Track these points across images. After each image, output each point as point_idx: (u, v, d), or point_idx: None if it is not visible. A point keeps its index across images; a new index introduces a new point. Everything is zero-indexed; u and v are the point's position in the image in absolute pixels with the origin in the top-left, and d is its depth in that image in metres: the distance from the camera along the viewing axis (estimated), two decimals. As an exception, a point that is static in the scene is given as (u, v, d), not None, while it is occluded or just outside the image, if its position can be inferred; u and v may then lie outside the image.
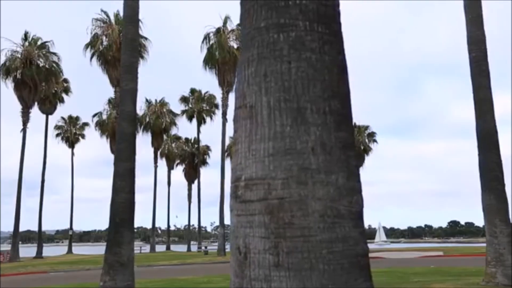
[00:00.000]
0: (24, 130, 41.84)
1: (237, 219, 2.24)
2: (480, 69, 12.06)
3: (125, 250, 11.08)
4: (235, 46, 38.40)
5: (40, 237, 48.09)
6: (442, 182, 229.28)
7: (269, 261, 2.08)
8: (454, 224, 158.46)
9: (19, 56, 41.66)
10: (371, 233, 76.99)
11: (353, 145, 2.32)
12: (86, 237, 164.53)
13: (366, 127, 57.61)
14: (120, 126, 12.25)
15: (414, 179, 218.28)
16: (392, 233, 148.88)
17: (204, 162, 63.41)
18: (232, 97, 34.92)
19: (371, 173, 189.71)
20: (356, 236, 2.17)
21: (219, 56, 38.82)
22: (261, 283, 2.09)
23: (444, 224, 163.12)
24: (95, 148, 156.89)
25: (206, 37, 40.33)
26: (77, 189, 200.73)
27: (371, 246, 31.60)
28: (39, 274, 25.02)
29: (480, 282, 11.41)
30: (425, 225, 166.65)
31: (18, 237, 42.68)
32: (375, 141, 57.87)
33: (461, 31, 12.50)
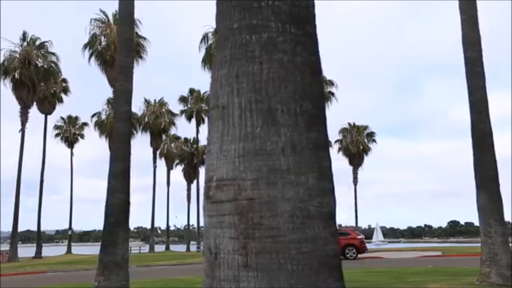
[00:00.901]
0: (22, 130, 41.86)
1: (208, 220, 2.25)
2: (475, 69, 12.05)
3: (120, 250, 11.09)
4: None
5: (39, 237, 48.09)
6: (442, 182, 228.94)
7: (238, 262, 2.09)
8: (454, 224, 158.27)
9: (18, 56, 41.66)
10: (371, 233, 76.98)
11: (326, 146, 2.32)
12: (86, 237, 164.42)
13: (365, 127, 57.67)
14: (115, 126, 12.28)
15: (414, 179, 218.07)
16: (392, 233, 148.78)
17: (203, 162, 62.95)
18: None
19: (371, 173, 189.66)
20: (326, 236, 2.18)
21: (217, 56, 38.82)
22: (230, 283, 2.10)
23: (444, 224, 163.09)
24: (95, 148, 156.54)
25: (205, 37, 40.41)
26: (77, 189, 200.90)
27: (368, 246, 31.63)
28: (37, 274, 25.03)
29: (474, 282, 11.43)
30: (425, 225, 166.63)
31: (16, 237, 42.74)
32: (374, 141, 57.94)
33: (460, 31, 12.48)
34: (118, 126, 12.09)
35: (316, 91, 2.33)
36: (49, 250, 59.36)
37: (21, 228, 44.98)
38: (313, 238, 2.14)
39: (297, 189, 2.14)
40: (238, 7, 2.34)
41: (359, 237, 27.88)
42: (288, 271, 2.06)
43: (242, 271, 2.08)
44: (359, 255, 26.75)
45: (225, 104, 2.28)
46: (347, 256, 26.20)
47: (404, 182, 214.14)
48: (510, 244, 11.66)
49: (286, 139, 2.18)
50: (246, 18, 2.31)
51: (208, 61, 39.80)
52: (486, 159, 11.70)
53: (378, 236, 68.58)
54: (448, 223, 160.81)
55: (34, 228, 50.83)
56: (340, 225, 60.13)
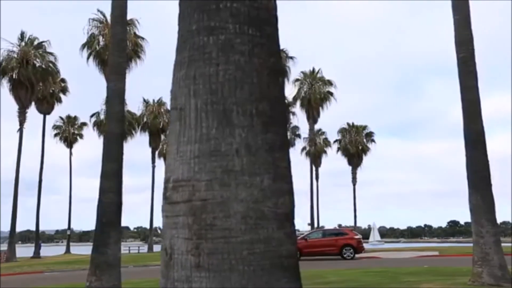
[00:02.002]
0: (21, 130, 41.90)
1: (165, 221, 2.26)
2: (467, 69, 12.05)
3: (112, 250, 11.11)
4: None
5: (37, 237, 48.12)
6: (442, 182, 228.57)
7: (191, 262, 2.11)
8: (453, 224, 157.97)
9: (16, 56, 41.66)
10: (370, 233, 77.05)
11: (284, 146, 2.33)
12: (86, 236, 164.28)
13: (364, 127, 57.76)
14: (108, 126, 12.30)
15: (414, 179, 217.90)
16: (392, 233, 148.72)
17: (202, 162, 63.26)
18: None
19: (371, 173, 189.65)
20: (281, 237, 2.18)
21: (215, 56, 38.79)
22: (183, 283, 2.12)
23: (443, 224, 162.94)
24: (94, 148, 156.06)
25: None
26: (77, 189, 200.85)
27: (365, 246, 31.55)
28: (34, 274, 25.02)
29: (467, 282, 11.44)
30: (425, 225, 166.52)
31: (15, 237, 42.73)
32: (373, 141, 58.02)
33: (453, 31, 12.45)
34: (111, 126, 12.12)
35: (274, 93, 2.34)
36: (48, 250, 59.35)
37: (21, 228, 45.17)
38: (266, 239, 2.14)
39: (251, 190, 2.15)
40: (197, 9, 2.35)
41: (356, 237, 27.87)
42: (240, 271, 2.07)
43: (194, 272, 2.10)
44: (357, 255, 26.74)
45: (183, 105, 2.29)
46: (345, 256, 26.19)
47: (404, 182, 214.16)
48: (509, 244, 11.67)
49: (241, 140, 2.19)
50: (205, 20, 2.32)
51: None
52: (478, 159, 11.70)
53: (375, 236, 68.41)
54: (448, 223, 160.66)
55: (34, 228, 50.88)
56: (340, 225, 60.18)
